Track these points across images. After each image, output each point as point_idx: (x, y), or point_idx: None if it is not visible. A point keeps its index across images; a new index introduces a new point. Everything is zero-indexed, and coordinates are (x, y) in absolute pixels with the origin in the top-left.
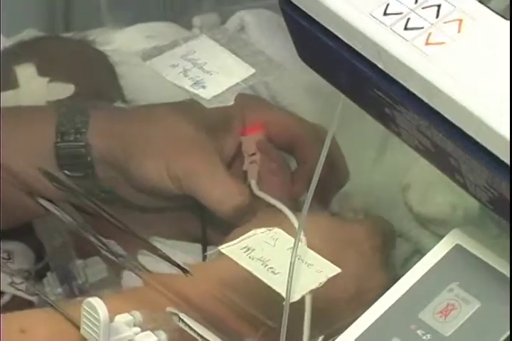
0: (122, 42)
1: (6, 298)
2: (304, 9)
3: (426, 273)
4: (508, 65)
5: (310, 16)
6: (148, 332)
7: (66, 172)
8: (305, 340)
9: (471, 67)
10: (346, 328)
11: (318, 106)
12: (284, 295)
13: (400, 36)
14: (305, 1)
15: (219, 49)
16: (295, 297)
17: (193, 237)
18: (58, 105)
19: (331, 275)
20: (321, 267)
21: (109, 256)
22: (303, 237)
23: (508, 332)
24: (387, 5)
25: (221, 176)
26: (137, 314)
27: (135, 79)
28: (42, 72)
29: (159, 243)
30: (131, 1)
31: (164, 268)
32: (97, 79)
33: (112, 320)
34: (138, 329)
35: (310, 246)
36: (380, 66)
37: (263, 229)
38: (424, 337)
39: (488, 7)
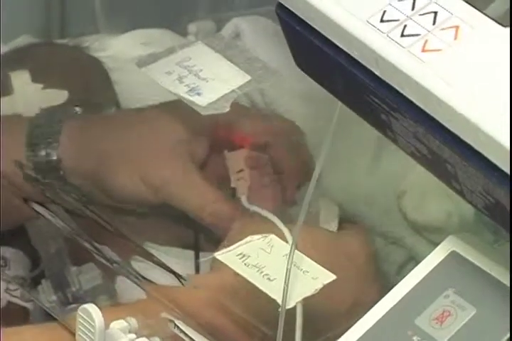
0: (117, 49)
1: (1, 305)
2: (300, 15)
3: (422, 280)
4: (504, 71)
5: (306, 23)
6: (144, 338)
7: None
8: None
9: (467, 73)
10: (342, 334)
11: (314, 112)
12: (279, 301)
13: (397, 43)
14: (301, 7)
15: (214, 56)
16: (290, 303)
17: (185, 243)
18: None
19: (326, 281)
20: (316, 274)
21: (104, 261)
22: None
23: (505, 338)
24: (384, 12)
25: (197, 184)
26: (132, 320)
27: (130, 86)
28: (36, 78)
29: (152, 249)
30: (126, 8)
31: (157, 273)
32: (91, 86)
33: (107, 326)
34: (133, 335)
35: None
36: (377, 73)
37: (259, 236)
38: None
39: (485, 14)
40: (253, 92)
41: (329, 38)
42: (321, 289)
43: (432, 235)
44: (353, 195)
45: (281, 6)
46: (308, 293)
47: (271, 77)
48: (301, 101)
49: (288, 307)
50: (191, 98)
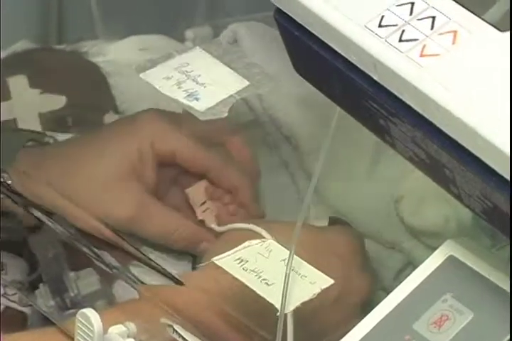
0: (115, 55)
1: None
2: (298, 21)
3: (420, 284)
4: (503, 76)
5: (305, 28)
6: None
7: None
8: None
9: (465, 78)
10: (340, 339)
11: (312, 118)
12: (277, 306)
13: (395, 48)
14: (300, 12)
15: (213, 61)
16: (289, 308)
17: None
18: None
19: (324, 286)
20: (314, 278)
21: (103, 267)
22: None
23: None
24: (382, 17)
25: (156, 214)
26: (131, 325)
27: (128, 90)
28: (34, 83)
29: (149, 253)
30: (124, 14)
31: (156, 279)
32: (89, 91)
33: (105, 331)
34: (132, 340)
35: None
36: (375, 78)
37: (257, 241)
38: None
39: (483, 19)
40: (251, 97)
41: (327, 42)
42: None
43: (429, 240)
44: (350, 199)
45: (279, 11)
46: (307, 298)
47: (269, 82)
48: (299, 107)
49: (286, 311)
50: (189, 103)
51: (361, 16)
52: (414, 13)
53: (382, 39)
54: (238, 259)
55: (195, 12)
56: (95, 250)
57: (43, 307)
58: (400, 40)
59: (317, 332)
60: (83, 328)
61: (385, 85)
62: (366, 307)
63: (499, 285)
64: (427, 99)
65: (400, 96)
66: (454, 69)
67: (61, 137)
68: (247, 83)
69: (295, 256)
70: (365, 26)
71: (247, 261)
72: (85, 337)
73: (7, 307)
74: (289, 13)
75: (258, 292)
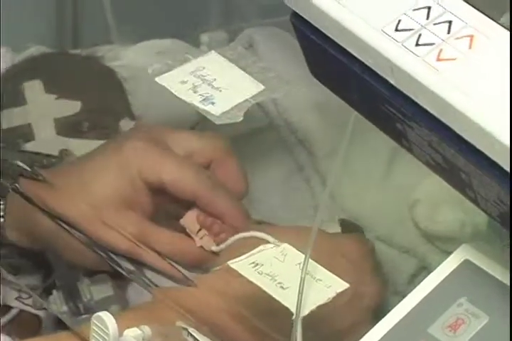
0: (131, 59)
1: (13, 313)
2: (314, 24)
3: (435, 288)
4: None
5: (321, 31)
6: None
7: None
8: None
9: (482, 82)
10: None
11: (327, 122)
12: (293, 310)
13: (412, 52)
14: (316, 16)
15: (228, 65)
16: (304, 312)
17: None
18: None
19: (339, 290)
20: (329, 282)
21: (120, 270)
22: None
23: None
24: (399, 21)
25: (165, 244)
26: (146, 328)
27: (143, 95)
28: (49, 88)
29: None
30: (139, 19)
31: (169, 282)
32: (104, 95)
33: (120, 334)
34: None
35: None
36: (392, 82)
37: (271, 245)
38: None
39: (499, 23)
40: (266, 102)
41: (344, 46)
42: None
43: (444, 245)
44: (365, 204)
45: (295, 15)
46: (322, 302)
47: (284, 86)
48: (315, 111)
49: (302, 315)
50: (205, 107)
51: (378, 20)
52: (430, 18)
53: (398, 43)
54: (253, 263)
55: (211, 16)
56: (111, 254)
57: (56, 313)
58: (417, 45)
59: (328, 335)
60: (98, 331)
61: (402, 89)
62: (377, 312)
63: None
64: (443, 103)
65: (417, 100)
66: (471, 73)
67: (73, 143)
68: (262, 87)
69: (310, 260)
70: (382, 30)
71: (262, 265)
72: (101, 340)
73: (21, 311)
74: (305, 17)
75: (273, 295)
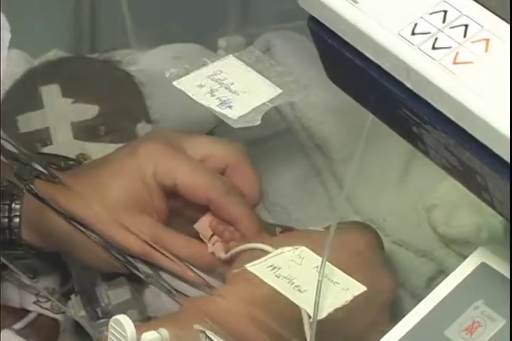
0: (148, 63)
1: (31, 317)
2: (331, 28)
3: (452, 291)
4: None
5: (338, 35)
6: None
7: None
8: None
9: (498, 85)
10: None
11: (344, 126)
12: (310, 313)
13: (428, 55)
14: (333, 20)
15: (246, 69)
16: (322, 315)
17: None
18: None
19: (357, 293)
20: (347, 285)
21: (137, 273)
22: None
23: None
24: (416, 25)
25: (178, 248)
26: (164, 332)
27: (161, 99)
28: (67, 92)
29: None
30: (156, 23)
31: (187, 286)
32: (121, 100)
33: (138, 338)
34: None
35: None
36: (408, 85)
37: (289, 248)
38: None
39: None
40: (284, 106)
41: (361, 50)
42: None
43: (461, 248)
44: (382, 207)
45: (312, 19)
46: (339, 305)
47: (302, 90)
48: (332, 115)
49: (319, 318)
50: (222, 111)
51: (394, 24)
52: (447, 21)
53: (415, 47)
54: (271, 266)
55: (229, 21)
56: (129, 258)
57: (74, 317)
58: (433, 48)
59: (345, 334)
60: (116, 334)
61: (418, 93)
62: (394, 305)
63: None
64: (460, 107)
65: (433, 104)
66: (487, 76)
67: (90, 147)
68: (279, 91)
69: (327, 263)
70: (399, 34)
71: (280, 268)
72: None
73: (40, 315)
74: (322, 21)
75: (291, 298)
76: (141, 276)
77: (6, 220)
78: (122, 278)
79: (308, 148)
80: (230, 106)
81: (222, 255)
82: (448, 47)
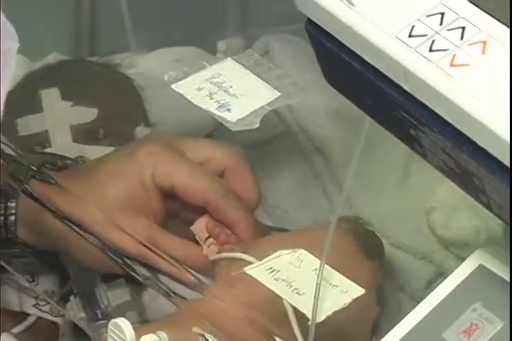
0: (147, 66)
1: (30, 320)
2: (329, 31)
3: (450, 293)
4: None
5: (335, 38)
6: None
7: None
8: None
9: (495, 88)
10: None
11: (343, 129)
12: (309, 315)
13: (425, 58)
14: (330, 22)
15: (244, 72)
16: (320, 317)
17: None
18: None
19: (355, 296)
20: (345, 288)
21: (136, 276)
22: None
23: None
24: (413, 27)
25: (174, 250)
26: (163, 334)
27: (160, 103)
28: (66, 95)
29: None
30: (156, 26)
31: (184, 288)
32: (120, 103)
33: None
34: None
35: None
36: (406, 88)
37: (288, 251)
38: None
39: None
40: (282, 109)
41: (358, 53)
42: None
43: (460, 251)
44: (381, 210)
45: (310, 22)
46: (338, 307)
47: (300, 93)
48: (331, 118)
49: (318, 321)
50: (221, 114)
51: (391, 26)
52: (444, 24)
53: (412, 49)
54: (270, 269)
55: (227, 24)
56: (127, 260)
57: (73, 319)
58: (430, 50)
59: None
60: (115, 338)
61: (416, 95)
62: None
63: None
64: (457, 109)
65: (430, 106)
66: (484, 79)
67: (89, 150)
68: (278, 94)
69: (326, 266)
70: (396, 36)
71: (279, 271)
72: None
73: (39, 318)
74: (320, 24)
75: (290, 301)
76: (139, 278)
77: (2, 218)
78: (121, 280)
79: (307, 150)
80: (228, 109)
81: (212, 257)
82: (445, 50)
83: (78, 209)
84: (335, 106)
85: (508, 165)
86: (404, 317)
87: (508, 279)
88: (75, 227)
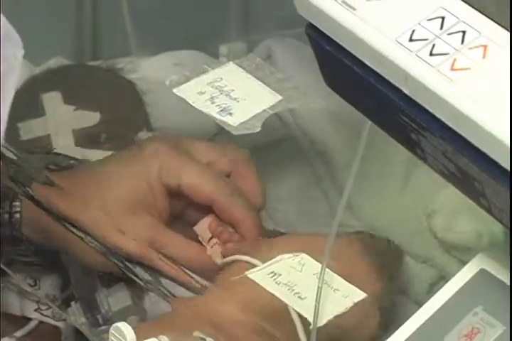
0: (150, 71)
1: (32, 325)
2: (330, 35)
3: (451, 297)
4: None
5: (336, 42)
6: None
7: None
8: None
9: (496, 92)
10: None
11: (344, 133)
12: (310, 319)
13: (426, 62)
14: (331, 26)
15: (246, 76)
16: (321, 321)
17: None
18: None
19: (357, 300)
20: (347, 292)
21: (136, 280)
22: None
23: None
24: (413, 31)
25: (177, 250)
26: (164, 339)
27: (162, 107)
28: (68, 100)
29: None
30: (158, 30)
31: (185, 291)
32: (123, 107)
33: None
34: None
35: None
36: (406, 92)
37: (290, 255)
38: None
39: None
40: (284, 112)
41: (359, 57)
42: None
43: (462, 255)
44: (383, 214)
45: (311, 26)
46: (339, 311)
47: (301, 97)
48: (332, 121)
49: (319, 325)
50: (223, 118)
51: (392, 31)
52: (444, 28)
53: (413, 53)
54: (271, 273)
55: (230, 28)
56: (128, 264)
57: (75, 324)
58: (431, 54)
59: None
60: None
61: (416, 99)
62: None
63: None
64: (457, 113)
65: (431, 110)
66: (485, 83)
67: (91, 154)
68: (279, 98)
69: (327, 270)
70: (396, 40)
71: (280, 275)
72: None
73: (41, 322)
74: (320, 28)
75: (291, 305)
76: (140, 283)
77: (7, 216)
78: (122, 284)
79: (309, 154)
80: (230, 113)
81: (219, 261)
82: (445, 54)
83: (79, 210)
84: (337, 111)
85: (509, 169)
86: (406, 321)
87: (509, 283)
88: (75, 231)
